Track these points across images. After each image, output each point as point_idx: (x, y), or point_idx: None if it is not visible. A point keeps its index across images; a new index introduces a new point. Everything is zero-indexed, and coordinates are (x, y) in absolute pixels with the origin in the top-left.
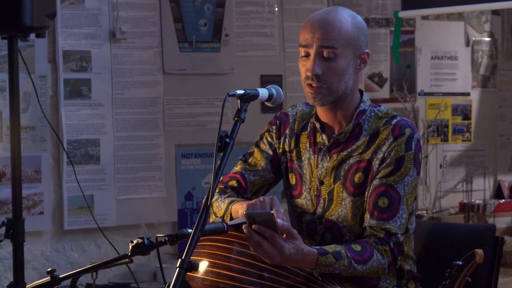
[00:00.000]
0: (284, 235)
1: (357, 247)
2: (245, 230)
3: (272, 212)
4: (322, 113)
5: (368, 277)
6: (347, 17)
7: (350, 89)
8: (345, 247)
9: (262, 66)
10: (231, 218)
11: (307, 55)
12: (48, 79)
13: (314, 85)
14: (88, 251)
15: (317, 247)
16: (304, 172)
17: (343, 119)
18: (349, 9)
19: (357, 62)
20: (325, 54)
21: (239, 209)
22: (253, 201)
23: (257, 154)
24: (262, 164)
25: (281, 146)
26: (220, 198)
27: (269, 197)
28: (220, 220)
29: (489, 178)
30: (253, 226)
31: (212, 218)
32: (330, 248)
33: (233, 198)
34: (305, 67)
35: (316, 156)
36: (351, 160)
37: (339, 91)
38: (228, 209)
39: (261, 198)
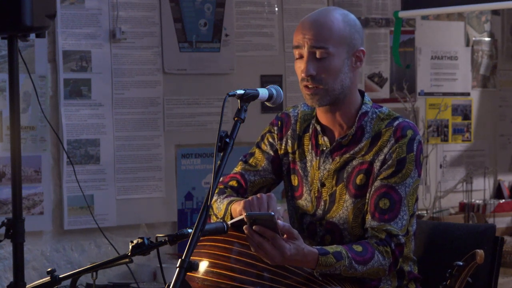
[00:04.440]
0: (285, 236)
1: (358, 248)
2: (246, 231)
3: (272, 213)
4: (322, 116)
5: (368, 278)
6: (338, 16)
7: (347, 88)
8: (346, 248)
9: (262, 66)
10: (232, 219)
11: (300, 56)
12: (48, 79)
13: (310, 86)
14: (88, 251)
15: (317, 247)
16: (306, 174)
17: (343, 121)
18: (349, 9)
19: (352, 60)
20: (317, 54)
21: (237, 207)
22: (250, 198)
23: (258, 154)
24: (263, 164)
25: (283, 147)
26: (219, 199)
27: (267, 195)
28: (221, 221)
29: (489, 178)
30: (254, 227)
31: (213, 220)
32: (331, 248)
33: (231, 198)
34: (300, 69)
35: (318, 158)
36: (354, 162)
37: (336, 90)
38: (228, 209)
39: (258, 195)
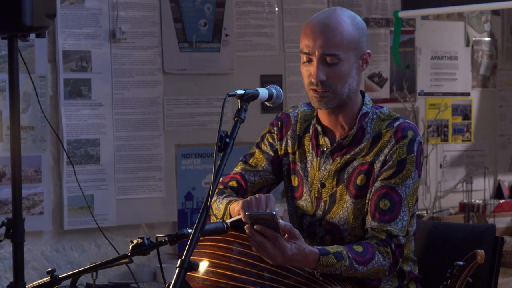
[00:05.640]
0: (286, 235)
1: (359, 248)
2: (247, 231)
3: (274, 213)
4: (324, 117)
5: (368, 278)
6: (347, 20)
7: (353, 91)
8: (346, 248)
9: (262, 66)
10: (230, 218)
11: (309, 60)
12: (48, 79)
13: (319, 90)
14: (88, 251)
15: (318, 247)
16: (307, 174)
17: (345, 122)
18: (349, 9)
19: (359, 63)
20: (328, 60)
21: (236, 207)
22: (248, 198)
23: (258, 155)
24: (263, 164)
25: (283, 147)
26: (218, 199)
27: (265, 195)
28: (221, 221)
29: (489, 178)
30: (255, 227)
31: (212, 220)
32: (332, 248)
33: (230, 198)
34: (308, 72)
35: (318, 158)
36: (355, 163)
37: (344, 94)
38: (227, 209)
39: (256, 195)
